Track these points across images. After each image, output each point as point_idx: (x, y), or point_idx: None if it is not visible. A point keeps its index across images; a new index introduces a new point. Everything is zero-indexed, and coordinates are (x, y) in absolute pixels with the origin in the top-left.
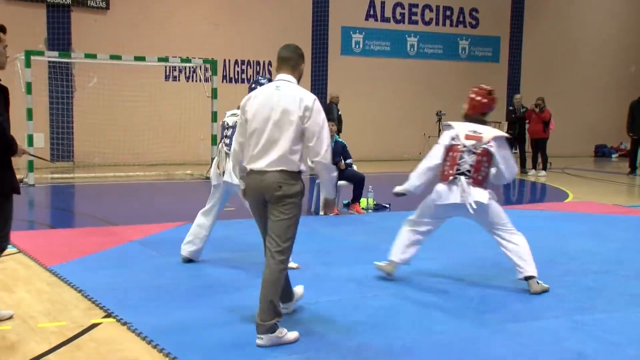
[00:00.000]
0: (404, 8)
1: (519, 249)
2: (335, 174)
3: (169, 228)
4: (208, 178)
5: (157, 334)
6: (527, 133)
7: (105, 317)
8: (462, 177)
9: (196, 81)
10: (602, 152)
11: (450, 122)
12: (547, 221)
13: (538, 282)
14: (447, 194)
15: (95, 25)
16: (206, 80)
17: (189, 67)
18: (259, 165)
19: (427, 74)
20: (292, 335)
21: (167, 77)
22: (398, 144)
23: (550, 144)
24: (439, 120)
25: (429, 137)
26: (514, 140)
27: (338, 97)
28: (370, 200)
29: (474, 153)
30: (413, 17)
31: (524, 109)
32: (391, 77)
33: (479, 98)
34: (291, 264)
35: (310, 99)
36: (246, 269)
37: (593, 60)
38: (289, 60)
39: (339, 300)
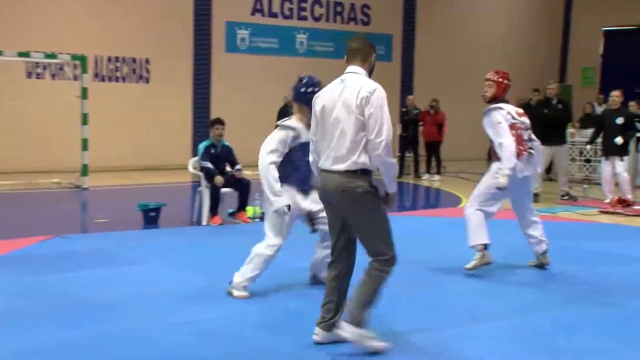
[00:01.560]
0: (292, 3)
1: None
2: (397, 167)
3: (31, 243)
4: (78, 187)
5: None
6: (421, 135)
7: None
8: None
9: (63, 79)
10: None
11: (494, 105)
12: (441, 227)
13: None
14: (525, 167)
15: None
16: (75, 78)
17: (55, 64)
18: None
19: (318, 73)
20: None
21: (29, 75)
22: None
23: (445, 147)
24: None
25: None
26: (408, 143)
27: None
28: (257, 209)
29: (527, 129)
30: (302, 13)
31: (417, 111)
32: (280, 76)
33: (506, 81)
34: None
35: (370, 88)
36: (119, 286)
37: (487, 62)
38: (359, 52)
39: (226, 317)
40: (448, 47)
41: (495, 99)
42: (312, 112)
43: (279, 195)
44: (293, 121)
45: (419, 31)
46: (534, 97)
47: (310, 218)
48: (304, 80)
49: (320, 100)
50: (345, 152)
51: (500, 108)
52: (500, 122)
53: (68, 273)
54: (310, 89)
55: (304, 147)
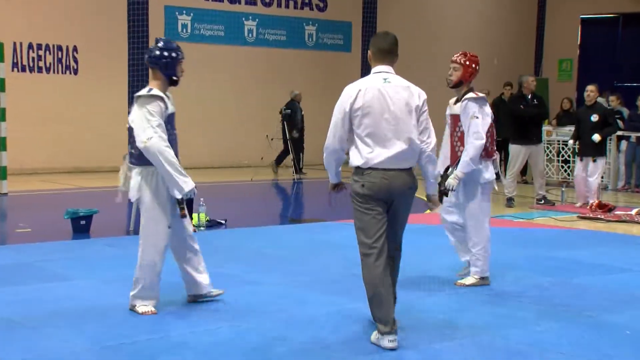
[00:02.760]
0: None
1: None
2: (439, 168)
3: None
4: None
5: None
6: None
7: None
8: None
9: None
10: None
11: (478, 93)
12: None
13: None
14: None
15: None
16: None
17: None
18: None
19: (269, 64)
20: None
21: None
22: (235, 148)
23: None
24: (283, 120)
25: (272, 139)
26: None
27: (300, 95)
28: (202, 216)
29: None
30: None
31: None
32: (227, 68)
33: (474, 65)
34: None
35: (421, 91)
36: (42, 305)
37: (454, 52)
38: (394, 54)
39: (163, 338)
40: (412, 36)
41: (460, 84)
42: (348, 105)
43: (185, 175)
44: (157, 90)
45: (380, 18)
46: (505, 91)
47: (179, 202)
48: (161, 44)
49: (370, 96)
50: (410, 151)
51: (486, 100)
52: (477, 117)
53: None
54: (168, 53)
55: (171, 120)
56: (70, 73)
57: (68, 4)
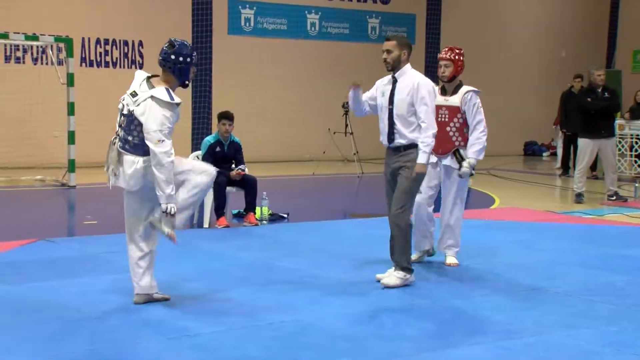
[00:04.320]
0: None
1: None
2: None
3: (11, 248)
4: (64, 184)
5: None
6: None
7: None
8: None
9: (47, 64)
10: (532, 150)
11: (473, 87)
12: (471, 231)
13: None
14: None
15: None
16: (59, 63)
17: (37, 47)
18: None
19: (331, 58)
20: None
21: (7, 59)
22: (297, 141)
23: None
24: (346, 113)
25: (334, 132)
26: None
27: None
28: (265, 209)
29: None
30: None
31: None
32: (289, 62)
33: (462, 58)
34: (158, 295)
35: None
36: (109, 297)
37: (521, 45)
38: None
39: (226, 331)
40: (478, 27)
41: (454, 78)
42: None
43: (172, 190)
44: (175, 95)
45: (445, 11)
46: (575, 84)
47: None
48: (178, 48)
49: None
50: None
51: (479, 93)
52: (481, 107)
53: (51, 282)
54: (183, 59)
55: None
56: (136, 67)
57: (134, 1)
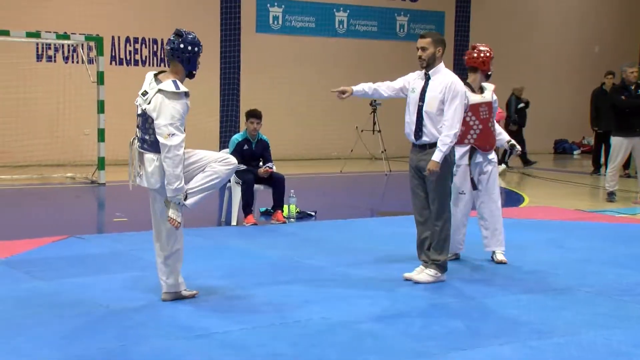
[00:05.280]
0: None
1: None
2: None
3: (43, 244)
4: (94, 182)
5: None
6: None
7: None
8: None
9: (77, 62)
10: (562, 148)
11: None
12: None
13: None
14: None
15: None
16: (90, 61)
17: (68, 45)
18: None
19: (359, 55)
20: None
21: (39, 57)
22: (325, 139)
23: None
24: (374, 111)
25: (362, 130)
26: None
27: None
28: (293, 207)
29: None
30: None
31: None
32: (317, 60)
33: (490, 57)
34: (186, 292)
35: None
36: (139, 293)
37: (551, 41)
38: None
39: (254, 329)
40: (508, 23)
41: (483, 72)
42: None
43: (182, 183)
44: (182, 85)
45: (474, 7)
46: (606, 81)
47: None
48: (185, 37)
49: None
50: None
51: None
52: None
53: (82, 278)
54: (191, 47)
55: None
56: (165, 65)
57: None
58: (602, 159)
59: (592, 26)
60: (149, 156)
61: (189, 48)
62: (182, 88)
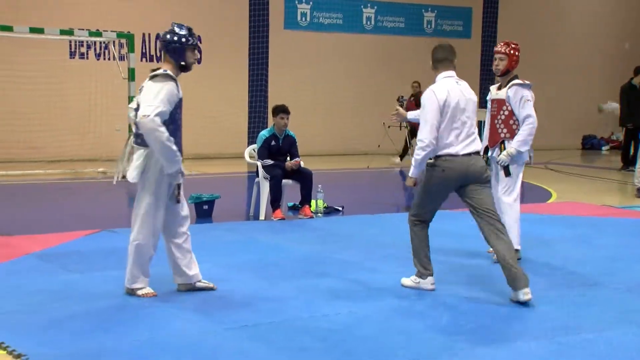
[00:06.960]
0: None
1: None
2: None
3: (76, 238)
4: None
5: None
6: None
7: None
8: None
9: (109, 59)
10: (590, 144)
11: (519, 81)
12: (527, 225)
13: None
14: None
15: None
16: (121, 58)
17: (100, 43)
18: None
19: (386, 51)
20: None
21: (72, 54)
22: (352, 135)
23: None
24: (401, 106)
25: (389, 127)
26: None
27: None
28: (320, 202)
29: None
30: None
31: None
32: (344, 56)
33: (517, 53)
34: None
35: None
36: (169, 286)
37: (580, 37)
38: (450, 61)
39: (283, 322)
40: (536, 19)
41: (508, 72)
42: (442, 103)
43: (176, 155)
44: (171, 72)
45: (502, 3)
46: (636, 78)
47: (178, 187)
48: (172, 28)
49: (454, 96)
50: (478, 139)
51: (529, 86)
52: (529, 100)
53: (114, 271)
54: (177, 38)
55: (180, 104)
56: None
57: None
58: (631, 155)
59: (622, 22)
60: (140, 151)
61: (175, 39)
62: (170, 72)
